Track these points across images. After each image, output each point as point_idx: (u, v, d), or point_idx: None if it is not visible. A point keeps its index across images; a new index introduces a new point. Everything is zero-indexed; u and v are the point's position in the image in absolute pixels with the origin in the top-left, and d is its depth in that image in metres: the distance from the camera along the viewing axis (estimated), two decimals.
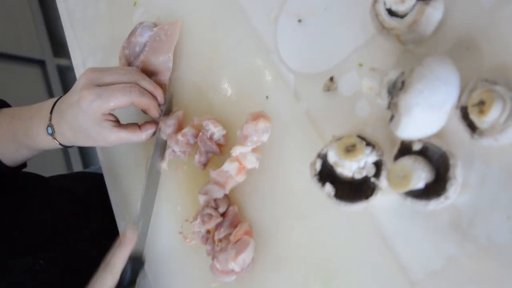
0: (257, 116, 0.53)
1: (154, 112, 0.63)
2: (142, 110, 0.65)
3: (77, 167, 2.35)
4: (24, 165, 0.77)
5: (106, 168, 0.81)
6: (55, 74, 2.65)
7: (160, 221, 0.69)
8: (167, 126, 0.63)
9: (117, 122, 0.63)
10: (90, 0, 0.87)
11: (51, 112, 0.63)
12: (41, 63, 2.62)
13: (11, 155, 0.69)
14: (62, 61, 2.69)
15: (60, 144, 0.65)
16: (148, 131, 0.64)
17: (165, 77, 0.65)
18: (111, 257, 0.58)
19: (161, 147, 0.65)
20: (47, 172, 1.02)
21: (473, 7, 0.40)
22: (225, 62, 0.61)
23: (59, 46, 2.68)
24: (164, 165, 0.65)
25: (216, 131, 0.58)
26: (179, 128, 0.63)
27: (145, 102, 0.60)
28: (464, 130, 0.38)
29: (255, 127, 0.52)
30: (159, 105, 0.64)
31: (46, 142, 0.65)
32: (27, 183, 0.80)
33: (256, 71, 0.57)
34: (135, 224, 0.62)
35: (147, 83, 0.62)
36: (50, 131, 0.63)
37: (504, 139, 0.35)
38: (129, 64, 0.68)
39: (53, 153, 2.36)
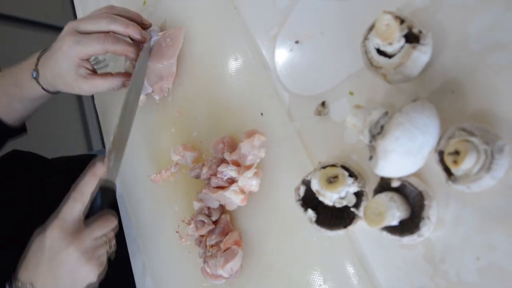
0: (251, 133, 0.55)
1: (131, 55, 0.66)
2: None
3: (98, 145, 2.41)
4: (24, 129, 0.83)
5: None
6: None
7: (159, 219, 0.72)
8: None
9: (92, 72, 0.68)
10: None
11: (38, 59, 0.70)
12: None
13: (5, 109, 0.76)
14: None
15: (43, 88, 0.70)
16: (121, 78, 0.68)
17: (168, 82, 0.67)
18: (80, 184, 0.60)
19: (140, 80, 0.68)
20: (68, 151, 1.05)
21: (462, 51, 0.41)
22: (225, 73, 0.63)
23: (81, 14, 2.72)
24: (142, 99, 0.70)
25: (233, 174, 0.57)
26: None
27: (119, 49, 0.64)
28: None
29: (251, 143, 0.54)
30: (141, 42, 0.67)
31: (30, 88, 0.71)
32: (27, 166, 0.85)
33: (253, 86, 0.58)
34: (107, 155, 0.63)
35: (117, 26, 0.64)
36: (34, 74, 0.69)
37: (475, 188, 0.37)
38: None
39: (74, 133, 2.43)
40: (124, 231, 0.82)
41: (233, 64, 0.61)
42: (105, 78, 0.67)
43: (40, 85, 0.70)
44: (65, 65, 0.65)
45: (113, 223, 0.62)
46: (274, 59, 0.56)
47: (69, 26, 0.65)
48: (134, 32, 0.65)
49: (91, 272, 0.58)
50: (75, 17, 2.77)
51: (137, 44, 0.67)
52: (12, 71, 0.74)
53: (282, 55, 0.56)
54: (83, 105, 2.47)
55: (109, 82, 0.67)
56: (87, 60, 0.66)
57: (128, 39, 0.67)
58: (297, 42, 0.54)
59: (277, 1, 0.57)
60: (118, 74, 0.69)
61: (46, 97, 0.74)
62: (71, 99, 2.52)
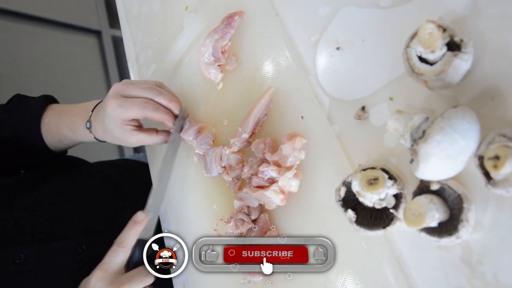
0: (292, 136, 0.57)
1: (168, 124, 0.73)
2: None
3: (129, 151, 2.47)
4: (65, 152, 0.90)
5: (152, 161, 0.88)
6: (110, 44, 2.77)
7: (199, 217, 0.75)
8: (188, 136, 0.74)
9: (138, 126, 0.74)
10: None
11: (92, 111, 0.77)
12: (97, 34, 2.75)
13: (55, 144, 0.83)
14: (117, 33, 2.81)
15: (94, 137, 0.78)
16: (163, 136, 0.76)
17: None
18: (123, 236, 0.66)
19: (175, 146, 0.75)
20: (99, 157, 1.10)
21: (502, 58, 0.42)
22: (266, 78, 0.65)
23: (115, 17, 2.79)
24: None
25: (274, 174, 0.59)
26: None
27: (158, 116, 0.70)
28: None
29: (292, 145, 0.56)
30: (175, 116, 0.74)
31: (84, 135, 0.79)
32: (72, 167, 0.90)
33: (294, 90, 0.61)
34: (146, 209, 0.69)
35: (162, 99, 0.71)
36: (88, 125, 0.77)
37: None
38: None
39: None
40: (162, 225, 0.85)
41: (275, 68, 0.64)
42: (150, 134, 0.74)
43: (93, 134, 0.77)
44: (110, 124, 0.71)
45: (150, 280, 0.66)
46: (315, 64, 0.59)
47: (114, 89, 0.71)
48: (175, 107, 0.73)
49: None
50: (109, 20, 2.84)
51: (174, 115, 0.74)
52: (68, 113, 0.81)
53: (323, 61, 0.58)
54: None
55: (153, 139, 0.75)
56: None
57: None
58: (338, 48, 0.56)
59: (318, 9, 0.59)
60: (162, 131, 0.76)
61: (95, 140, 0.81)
62: None
